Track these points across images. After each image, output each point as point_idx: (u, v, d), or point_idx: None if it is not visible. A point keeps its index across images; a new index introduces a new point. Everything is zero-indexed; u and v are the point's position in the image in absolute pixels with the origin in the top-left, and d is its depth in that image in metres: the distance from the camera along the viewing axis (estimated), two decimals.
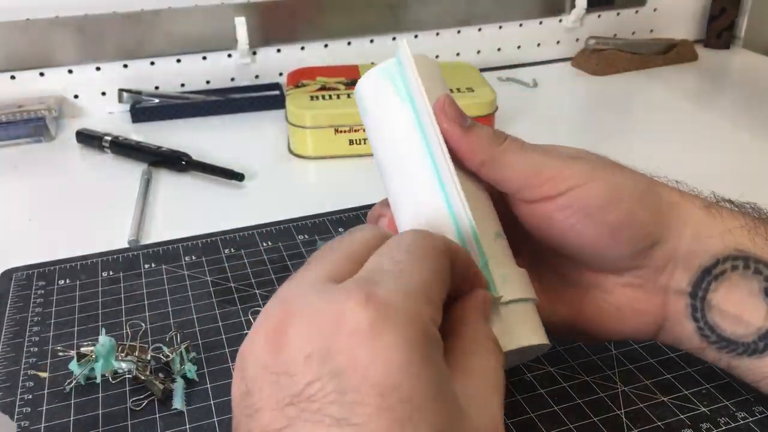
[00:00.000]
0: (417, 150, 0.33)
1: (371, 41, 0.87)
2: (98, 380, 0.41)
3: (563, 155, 0.34)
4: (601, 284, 0.36)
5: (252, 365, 0.24)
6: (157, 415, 0.39)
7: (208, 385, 0.41)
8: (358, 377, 0.22)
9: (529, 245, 0.37)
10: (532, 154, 0.34)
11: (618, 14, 0.97)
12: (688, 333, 0.35)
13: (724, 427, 0.37)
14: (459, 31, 0.91)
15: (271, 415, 0.23)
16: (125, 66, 0.80)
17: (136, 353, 0.41)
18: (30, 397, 0.40)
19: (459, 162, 0.34)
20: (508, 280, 0.32)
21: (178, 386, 0.40)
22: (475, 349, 0.27)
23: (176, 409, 0.39)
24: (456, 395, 0.24)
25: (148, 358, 0.41)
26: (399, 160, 0.34)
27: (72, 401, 0.40)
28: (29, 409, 0.40)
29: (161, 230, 0.57)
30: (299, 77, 0.75)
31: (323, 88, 0.72)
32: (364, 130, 0.68)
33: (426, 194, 0.33)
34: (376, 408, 0.21)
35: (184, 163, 0.67)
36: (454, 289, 0.28)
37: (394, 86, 0.34)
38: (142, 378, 0.40)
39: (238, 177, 0.64)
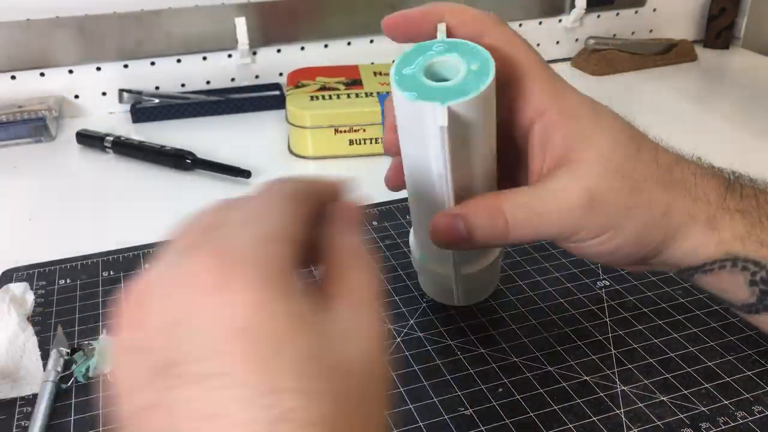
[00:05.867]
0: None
1: (371, 41, 0.87)
2: (99, 379, 0.41)
3: (582, 203, 0.35)
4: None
5: (117, 349, 0.23)
6: None
7: None
8: (212, 329, 0.21)
9: None
10: (545, 210, 0.36)
11: (617, 14, 0.97)
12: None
13: (723, 427, 0.37)
14: None
15: (140, 394, 0.22)
16: (125, 66, 0.80)
17: None
18: (30, 396, 0.40)
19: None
20: None
21: None
22: (348, 265, 0.27)
23: None
24: (324, 322, 0.24)
25: None
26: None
27: (72, 401, 0.40)
28: (29, 409, 0.40)
29: (162, 230, 0.57)
30: (299, 77, 0.75)
31: (323, 88, 0.72)
32: (364, 130, 0.69)
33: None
34: (239, 352, 0.21)
35: (189, 161, 0.67)
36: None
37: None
38: None
39: (245, 174, 0.64)
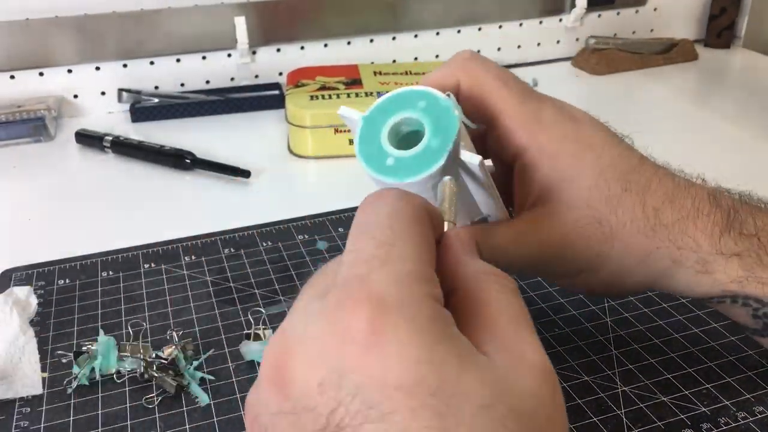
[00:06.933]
0: None
1: (371, 41, 0.87)
2: (98, 379, 0.41)
3: (571, 236, 0.35)
4: None
5: (264, 413, 0.22)
6: (157, 416, 0.39)
7: (208, 386, 0.41)
8: (379, 386, 0.20)
9: None
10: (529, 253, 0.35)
11: (618, 14, 0.96)
12: None
13: (724, 427, 0.37)
14: (459, 31, 0.91)
15: None
16: (125, 66, 0.80)
17: (140, 352, 0.41)
18: (30, 397, 0.40)
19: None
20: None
21: (194, 382, 0.40)
22: (479, 294, 0.25)
23: (199, 403, 0.39)
24: (486, 359, 0.22)
25: (153, 356, 0.42)
26: None
27: (72, 401, 0.40)
28: (29, 409, 0.40)
29: (161, 230, 0.57)
30: (299, 77, 0.75)
31: (323, 88, 0.72)
32: None
33: None
34: (409, 410, 0.20)
35: (188, 161, 0.67)
36: None
37: None
38: (156, 375, 0.40)
39: (245, 174, 0.64)
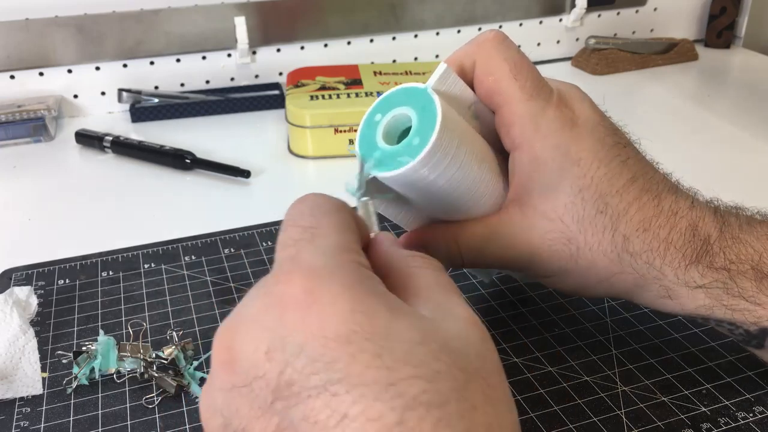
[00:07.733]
0: None
1: (371, 41, 0.87)
2: (97, 378, 0.41)
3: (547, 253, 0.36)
4: None
5: (218, 396, 0.24)
6: (157, 416, 0.39)
7: None
8: (319, 340, 0.22)
9: None
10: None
11: (618, 14, 0.96)
12: None
13: (724, 427, 0.37)
14: (459, 31, 0.91)
15: (262, 422, 0.23)
16: (125, 66, 0.80)
17: (140, 352, 0.41)
18: (30, 397, 0.40)
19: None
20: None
21: (194, 382, 0.40)
22: (407, 271, 0.27)
23: (199, 403, 0.39)
24: (417, 312, 0.25)
25: (153, 356, 0.42)
26: None
27: (72, 401, 0.40)
28: (29, 409, 0.40)
29: (161, 230, 0.57)
30: (299, 77, 0.75)
31: (323, 88, 0.72)
32: None
33: None
34: (349, 355, 0.22)
35: (188, 161, 0.67)
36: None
37: None
38: (156, 375, 0.40)
39: (245, 174, 0.64)
